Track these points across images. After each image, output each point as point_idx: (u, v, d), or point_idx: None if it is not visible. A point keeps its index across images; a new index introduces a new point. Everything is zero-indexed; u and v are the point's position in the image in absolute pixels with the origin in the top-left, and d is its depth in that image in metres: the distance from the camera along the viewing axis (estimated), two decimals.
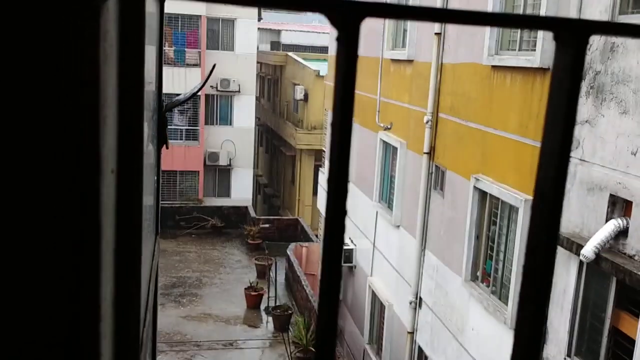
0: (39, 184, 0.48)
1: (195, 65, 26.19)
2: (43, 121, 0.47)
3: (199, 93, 25.77)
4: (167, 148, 1.59)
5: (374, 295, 13.65)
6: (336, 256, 0.50)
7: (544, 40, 7.53)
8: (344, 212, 0.49)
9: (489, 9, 8.80)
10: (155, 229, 1.60)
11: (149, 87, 1.40)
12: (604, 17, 6.59)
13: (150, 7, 1.25)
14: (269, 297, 18.00)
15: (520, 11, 8.34)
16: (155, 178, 1.54)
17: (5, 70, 0.46)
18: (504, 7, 8.69)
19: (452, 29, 10.27)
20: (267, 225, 23.38)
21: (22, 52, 0.45)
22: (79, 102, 0.44)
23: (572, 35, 0.49)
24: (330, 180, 0.47)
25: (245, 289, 18.36)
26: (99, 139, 0.48)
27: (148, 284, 1.15)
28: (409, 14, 0.46)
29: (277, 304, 17.74)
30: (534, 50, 7.84)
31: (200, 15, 26.03)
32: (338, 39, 0.47)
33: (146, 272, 1.11)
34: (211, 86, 26.58)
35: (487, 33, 8.87)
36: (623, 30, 0.51)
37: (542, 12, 7.54)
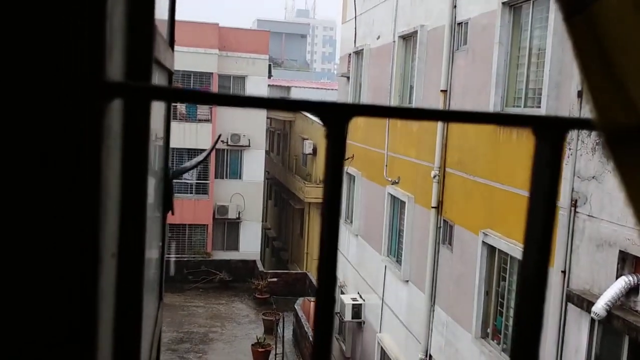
0: (36, 273, 0.50)
1: (206, 120, 26.59)
2: (45, 213, 0.50)
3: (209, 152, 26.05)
4: (172, 214, 1.62)
5: (383, 352, 13.39)
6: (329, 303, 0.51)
7: (549, 97, 7.63)
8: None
9: (494, 70, 8.95)
10: (159, 295, 1.61)
11: (157, 152, 1.44)
12: None
13: (160, 79, 1.30)
14: (276, 354, 17.68)
15: (524, 71, 8.47)
16: (160, 244, 1.56)
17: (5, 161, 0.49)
18: (509, 68, 8.84)
19: (458, 85, 10.44)
20: (275, 280, 23.20)
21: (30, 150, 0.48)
22: (80, 198, 0.47)
23: (550, 131, 0.52)
24: (319, 272, 0.49)
25: (253, 345, 18.06)
26: (98, 226, 0.50)
27: (150, 353, 1.15)
28: (392, 114, 0.49)
29: None
30: (539, 107, 7.93)
31: (212, 73, 26.59)
32: (327, 136, 0.50)
33: (147, 343, 1.12)
34: (222, 141, 26.89)
35: (493, 89, 9.01)
36: None
37: (546, 71, 7.66)
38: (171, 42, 1.48)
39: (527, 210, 0.55)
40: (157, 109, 1.33)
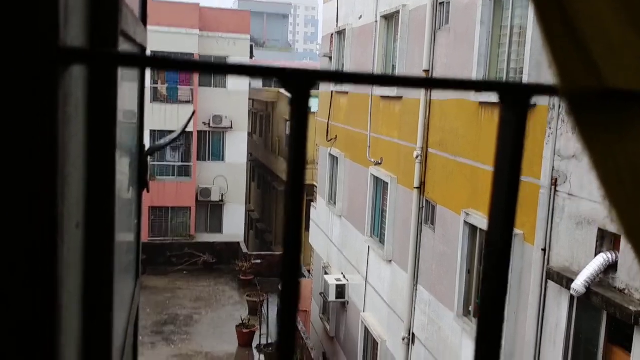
0: None
1: (187, 102, 26.38)
2: None
3: (191, 129, 25.86)
4: (147, 192, 1.61)
5: (366, 331, 13.52)
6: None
7: (530, 76, 7.66)
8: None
9: (475, 49, 8.96)
10: (135, 273, 1.60)
11: (130, 131, 1.42)
12: None
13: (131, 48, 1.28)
14: (260, 335, 17.79)
15: (506, 50, 8.49)
16: (136, 221, 1.55)
17: None
18: (490, 48, 8.85)
19: (440, 65, 10.44)
20: (259, 261, 23.25)
21: None
22: (35, 165, 0.46)
23: (515, 97, 0.52)
24: (285, 236, 0.49)
25: (237, 326, 18.15)
26: (56, 194, 0.49)
27: (125, 329, 1.15)
28: (353, 79, 0.49)
29: (270, 341, 17.52)
30: None
31: (193, 54, 26.33)
32: (291, 103, 0.50)
33: (123, 319, 1.12)
34: (203, 122, 26.73)
35: (475, 68, 9.02)
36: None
37: (527, 50, 7.68)
38: (143, 18, 1.46)
39: (493, 176, 0.55)
40: (130, 87, 1.31)
